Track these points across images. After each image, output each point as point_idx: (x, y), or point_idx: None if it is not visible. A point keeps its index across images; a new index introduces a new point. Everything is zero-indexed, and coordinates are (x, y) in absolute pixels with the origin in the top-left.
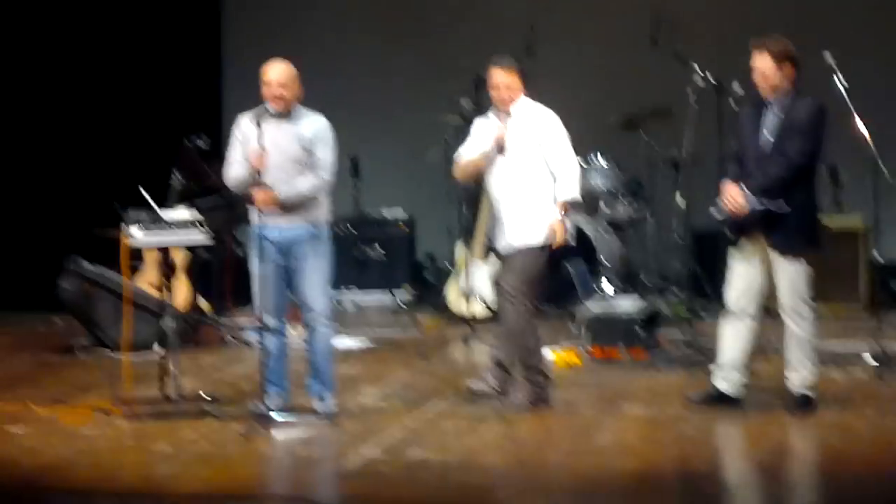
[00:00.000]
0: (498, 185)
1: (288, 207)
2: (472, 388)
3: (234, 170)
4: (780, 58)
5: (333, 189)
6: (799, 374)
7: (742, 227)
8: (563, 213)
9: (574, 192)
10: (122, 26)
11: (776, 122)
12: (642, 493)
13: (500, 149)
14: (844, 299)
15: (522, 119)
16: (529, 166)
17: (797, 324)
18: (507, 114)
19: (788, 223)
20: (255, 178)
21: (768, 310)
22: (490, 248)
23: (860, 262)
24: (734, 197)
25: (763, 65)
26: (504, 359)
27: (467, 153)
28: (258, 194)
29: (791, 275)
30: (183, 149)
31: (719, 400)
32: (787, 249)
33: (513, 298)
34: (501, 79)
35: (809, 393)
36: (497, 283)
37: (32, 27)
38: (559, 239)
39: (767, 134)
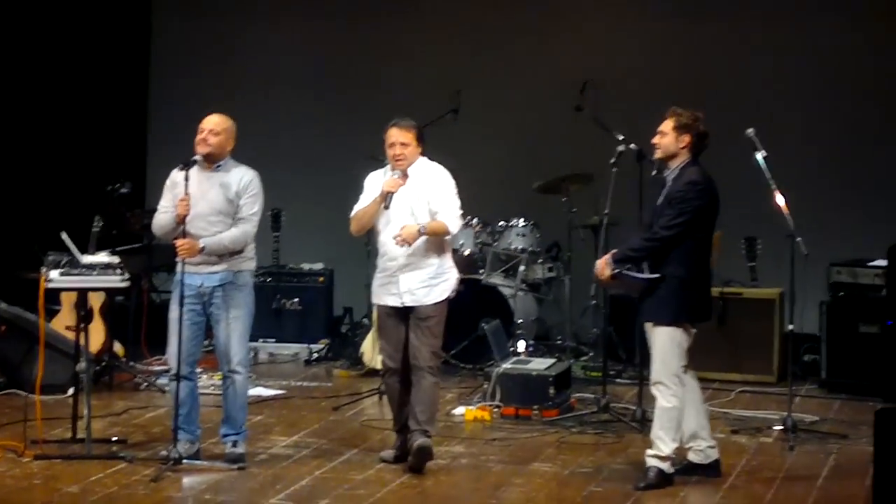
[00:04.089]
0: (391, 243)
1: (209, 256)
2: (383, 457)
3: (160, 217)
4: (682, 127)
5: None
6: (654, 447)
7: (630, 294)
8: (425, 230)
9: (450, 227)
10: (51, 72)
11: (664, 194)
12: None
13: (386, 197)
14: (757, 370)
15: (416, 178)
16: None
17: (661, 395)
18: (403, 172)
19: (656, 294)
20: (179, 226)
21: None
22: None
23: (774, 332)
24: (599, 265)
25: (665, 129)
26: (405, 420)
27: (359, 206)
28: (180, 243)
29: (656, 345)
30: (105, 194)
31: (693, 471)
32: (650, 318)
33: (430, 369)
34: (397, 137)
35: (661, 466)
36: (412, 357)
37: None
38: (408, 238)
39: (656, 206)
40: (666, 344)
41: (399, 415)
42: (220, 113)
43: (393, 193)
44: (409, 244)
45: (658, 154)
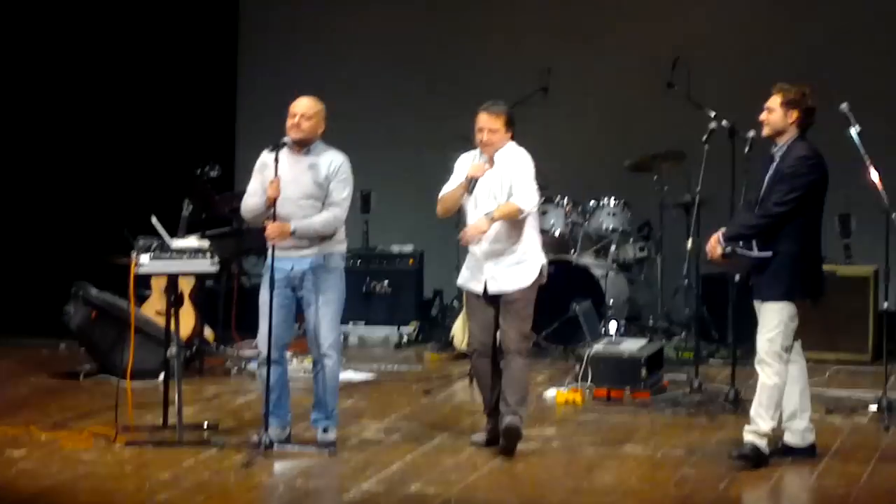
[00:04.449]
0: None
1: (299, 240)
2: (474, 441)
3: (250, 200)
4: (790, 103)
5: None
6: (752, 423)
7: (739, 273)
8: (494, 217)
9: (522, 206)
10: (140, 54)
11: (772, 170)
12: None
13: (471, 182)
14: (852, 348)
15: (501, 163)
16: None
17: (763, 372)
18: (490, 157)
19: (767, 271)
20: (269, 209)
21: None
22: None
23: (869, 310)
24: (711, 242)
25: (772, 105)
26: (495, 404)
27: (447, 188)
28: (270, 226)
29: (765, 321)
30: (195, 178)
31: (788, 453)
32: (762, 296)
33: (519, 352)
34: (485, 122)
35: (758, 443)
36: (501, 339)
37: (48, 51)
38: (472, 236)
39: (765, 182)
40: (775, 320)
41: (489, 398)
42: (309, 95)
43: (477, 179)
44: (474, 240)
45: (766, 131)
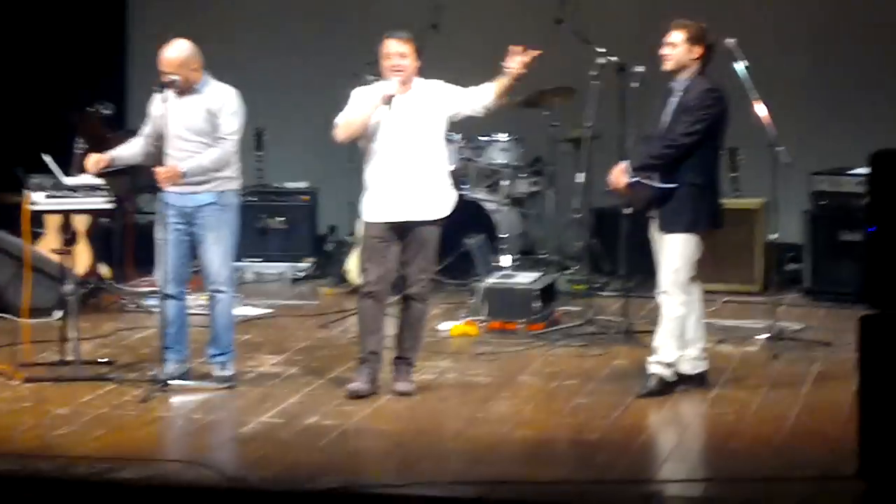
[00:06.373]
0: (395, 156)
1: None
2: (351, 389)
3: (136, 144)
4: (694, 38)
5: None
6: (657, 354)
7: (633, 206)
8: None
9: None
10: None
11: (675, 104)
12: (537, 460)
13: (389, 100)
14: (741, 279)
15: (420, 93)
16: (430, 139)
17: (667, 303)
18: (402, 81)
19: (670, 202)
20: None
21: None
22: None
23: (756, 242)
24: (614, 173)
25: (674, 41)
26: (380, 348)
27: (347, 114)
28: (160, 171)
29: (668, 253)
30: (86, 115)
31: (680, 382)
32: (665, 227)
33: (424, 297)
34: (395, 48)
35: (663, 373)
36: (406, 279)
37: None
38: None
39: (665, 116)
40: (679, 252)
41: (374, 343)
42: (178, 40)
43: (393, 96)
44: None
45: (668, 65)
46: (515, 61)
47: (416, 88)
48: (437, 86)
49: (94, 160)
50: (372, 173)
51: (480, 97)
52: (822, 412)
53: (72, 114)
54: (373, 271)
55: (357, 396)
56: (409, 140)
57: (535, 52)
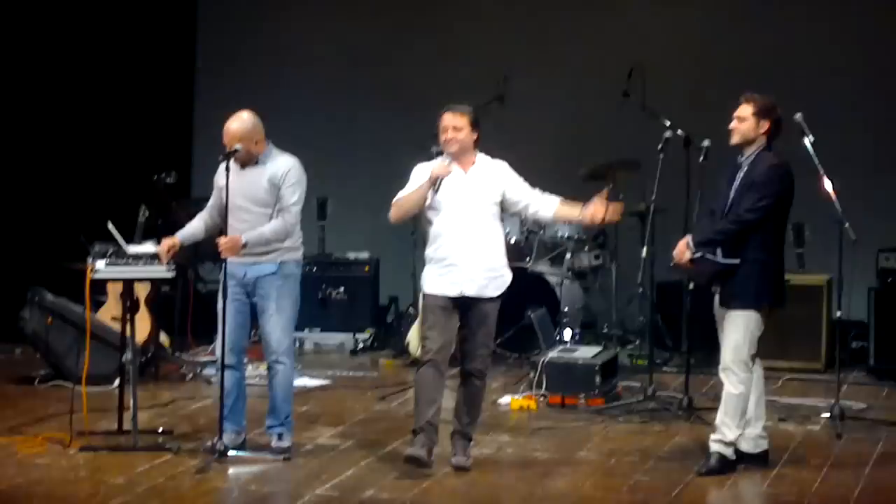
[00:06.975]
0: (453, 232)
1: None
2: (409, 453)
3: (199, 220)
4: (762, 112)
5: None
6: (718, 432)
7: (696, 281)
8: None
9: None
10: (98, 59)
11: (740, 179)
12: None
13: (436, 182)
14: (804, 356)
15: (480, 172)
16: (486, 217)
17: (728, 380)
18: (454, 157)
19: (734, 278)
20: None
21: None
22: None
23: (822, 319)
24: (678, 248)
25: (743, 114)
26: (437, 420)
27: (402, 197)
28: (222, 241)
29: (730, 330)
30: (151, 184)
31: (741, 460)
32: (727, 303)
33: (482, 374)
34: (449, 121)
35: (724, 451)
36: (466, 355)
37: (1, 54)
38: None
39: (732, 190)
40: (741, 329)
41: (429, 413)
42: (247, 110)
43: (442, 179)
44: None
45: (735, 139)
46: (595, 214)
47: (479, 165)
48: (501, 168)
49: (165, 248)
50: (431, 248)
51: (539, 209)
52: (885, 493)
53: (137, 182)
54: (434, 340)
55: (415, 460)
56: (466, 216)
57: (619, 208)
